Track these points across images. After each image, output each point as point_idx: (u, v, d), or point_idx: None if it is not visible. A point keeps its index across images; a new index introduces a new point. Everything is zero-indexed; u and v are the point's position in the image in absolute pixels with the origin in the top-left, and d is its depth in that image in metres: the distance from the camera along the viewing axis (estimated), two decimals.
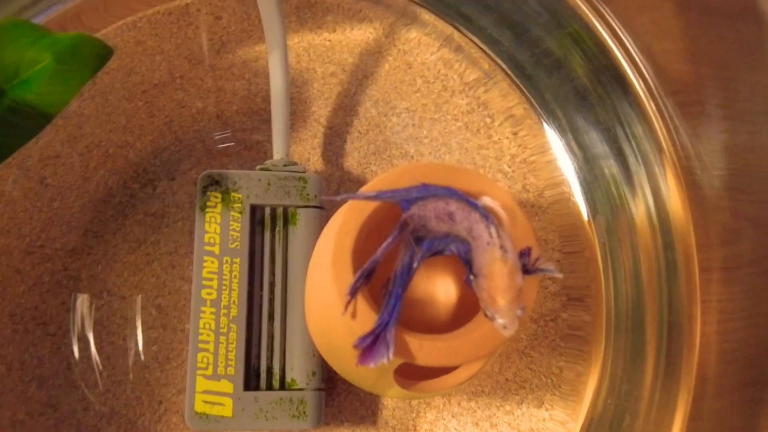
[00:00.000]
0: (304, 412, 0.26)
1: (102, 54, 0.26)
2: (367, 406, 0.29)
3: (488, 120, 0.32)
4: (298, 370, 0.27)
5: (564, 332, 0.30)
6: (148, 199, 0.30)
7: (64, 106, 0.25)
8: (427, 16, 0.33)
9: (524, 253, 0.21)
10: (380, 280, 0.22)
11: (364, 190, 0.22)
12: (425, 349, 0.21)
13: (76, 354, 0.29)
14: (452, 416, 0.29)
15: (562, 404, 0.29)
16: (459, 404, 0.29)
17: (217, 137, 0.31)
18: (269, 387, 0.27)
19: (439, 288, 0.26)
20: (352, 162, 0.31)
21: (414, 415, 0.29)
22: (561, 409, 0.29)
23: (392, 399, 0.29)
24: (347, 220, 0.22)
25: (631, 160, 0.31)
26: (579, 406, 0.29)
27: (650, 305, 0.30)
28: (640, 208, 0.31)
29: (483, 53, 0.32)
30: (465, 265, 0.21)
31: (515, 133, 0.32)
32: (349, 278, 0.21)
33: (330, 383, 0.29)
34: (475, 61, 0.32)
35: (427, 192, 0.21)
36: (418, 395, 0.25)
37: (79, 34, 0.25)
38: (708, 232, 0.29)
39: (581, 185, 0.31)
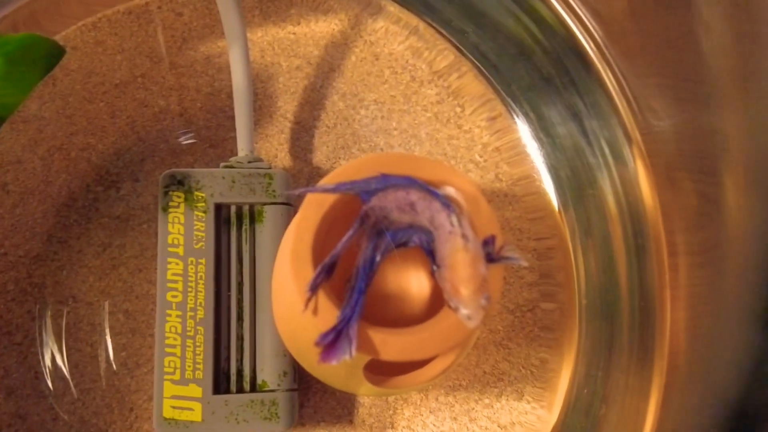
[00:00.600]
0: (276, 414, 0.26)
1: (53, 53, 0.25)
2: (343, 405, 0.28)
3: (458, 110, 0.31)
4: (268, 371, 0.26)
5: (542, 322, 0.29)
6: (112, 201, 0.29)
7: (16, 108, 0.25)
8: (392, 7, 0.32)
9: (488, 242, 0.20)
10: (344, 276, 0.22)
11: (323, 182, 0.22)
12: (389, 344, 0.20)
13: (44, 363, 0.28)
14: (430, 412, 0.28)
15: (540, 395, 0.29)
16: (437, 399, 0.28)
17: (181, 136, 0.30)
18: (239, 390, 0.26)
19: (412, 281, 0.25)
20: (320, 157, 0.31)
21: (391, 412, 0.28)
22: (538, 400, 0.29)
23: (369, 397, 0.28)
24: (306, 214, 0.21)
25: (599, 146, 0.31)
26: (554, 396, 0.28)
27: (622, 292, 0.29)
28: (610, 194, 0.30)
29: (449, 44, 0.32)
30: (428, 257, 0.21)
31: (486, 123, 0.31)
32: (309, 274, 0.21)
33: (305, 383, 0.28)
34: (442, 51, 0.32)
35: (386, 182, 0.21)
36: (391, 392, 0.24)
37: (29, 35, 0.24)
38: (676, 217, 0.29)
39: (551, 173, 0.31)
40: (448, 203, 0.20)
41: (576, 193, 0.30)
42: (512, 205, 0.30)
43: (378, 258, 0.21)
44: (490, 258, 0.20)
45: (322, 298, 0.21)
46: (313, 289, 0.20)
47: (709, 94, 0.25)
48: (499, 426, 0.28)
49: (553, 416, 0.28)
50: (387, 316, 0.25)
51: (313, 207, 0.21)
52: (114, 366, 0.28)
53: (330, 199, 0.21)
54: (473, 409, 0.28)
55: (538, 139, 0.31)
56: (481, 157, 0.31)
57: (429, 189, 0.20)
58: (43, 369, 0.28)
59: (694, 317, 0.28)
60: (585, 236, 0.30)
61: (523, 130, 0.31)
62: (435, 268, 0.20)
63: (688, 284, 0.28)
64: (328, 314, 0.20)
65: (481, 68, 0.32)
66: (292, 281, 0.21)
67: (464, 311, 0.19)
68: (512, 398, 0.29)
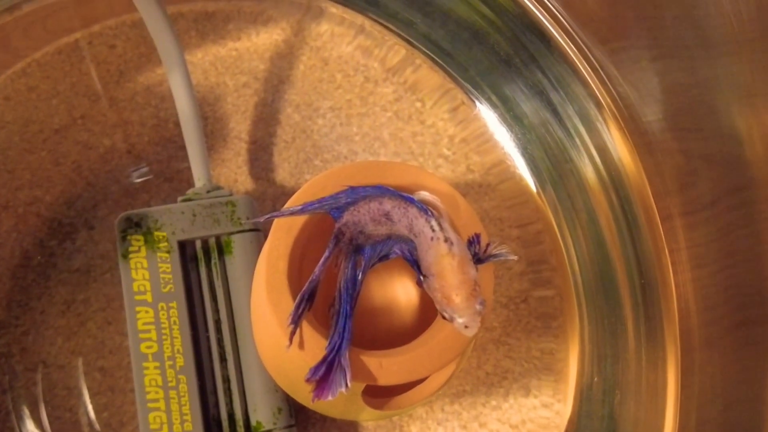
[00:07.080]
0: None
1: None
2: (345, 431, 0.27)
3: (418, 104, 0.30)
4: (262, 411, 0.24)
5: (538, 312, 0.28)
6: (69, 254, 0.27)
7: None
8: (334, 8, 0.31)
9: (472, 241, 0.19)
10: (327, 300, 0.20)
11: (288, 205, 0.20)
12: (386, 368, 0.19)
13: None
14: (437, 424, 0.27)
15: (549, 388, 0.27)
16: (442, 409, 0.27)
17: (132, 174, 0.28)
18: None
19: (398, 291, 0.24)
20: (283, 175, 0.29)
21: (397, 431, 0.27)
22: (549, 394, 0.27)
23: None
24: (276, 241, 0.20)
25: (569, 120, 0.29)
26: (565, 386, 0.27)
27: (618, 266, 0.28)
28: (588, 166, 0.29)
29: (399, 38, 0.30)
30: (413, 266, 0.19)
31: (449, 114, 0.30)
32: (289, 305, 0.19)
33: (302, 415, 0.27)
34: (393, 47, 0.31)
35: (356, 195, 0.19)
36: (393, 413, 0.23)
37: None
38: (663, 179, 0.28)
39: (524, 156, 0.29)
40: (425, 208, 0.19)
41: (552, 173, 0.29)
42: (488, 195, 0.29)
43: (360, 276, 0.20)
44: (478, 258, 0.19)
45: (307, 329, 0.19)
46: (295, 321, 0.19)
47: (685, 46, 0.24)
48: (510, 426, 0.27)
49: (566, 407, 0.27)
50: (376, 331, 0.23)
51: (283, 232, 0.20)
52: (98, 427, 0.26)
53: (299, 221, 0.20)
54: (482, 413, 0.27)
55: (506, 123, 0.30)
56: (449, 150, 0.30)
57: (402, 195, 0.19)
58: None
59: (701, 278, 0.26)
60: (569, 214, 0.28)
61: (488, 116, 0.30)
62: (421, 277, 0.19)
63: (689, 246, 0.27)
64: (315, 345, 0.19)
65: (435, 58, 0.30)
66: (271, 315, 0.19)
67: (460, 320, 0.18)
68: (519, 395, 0.27)
